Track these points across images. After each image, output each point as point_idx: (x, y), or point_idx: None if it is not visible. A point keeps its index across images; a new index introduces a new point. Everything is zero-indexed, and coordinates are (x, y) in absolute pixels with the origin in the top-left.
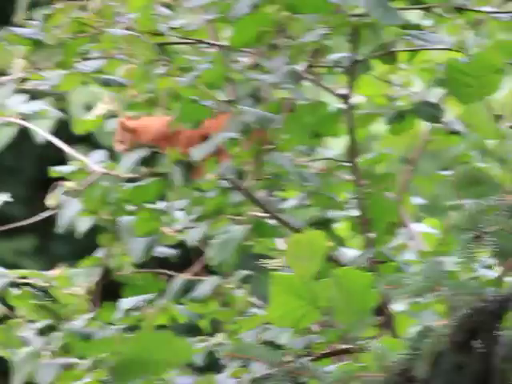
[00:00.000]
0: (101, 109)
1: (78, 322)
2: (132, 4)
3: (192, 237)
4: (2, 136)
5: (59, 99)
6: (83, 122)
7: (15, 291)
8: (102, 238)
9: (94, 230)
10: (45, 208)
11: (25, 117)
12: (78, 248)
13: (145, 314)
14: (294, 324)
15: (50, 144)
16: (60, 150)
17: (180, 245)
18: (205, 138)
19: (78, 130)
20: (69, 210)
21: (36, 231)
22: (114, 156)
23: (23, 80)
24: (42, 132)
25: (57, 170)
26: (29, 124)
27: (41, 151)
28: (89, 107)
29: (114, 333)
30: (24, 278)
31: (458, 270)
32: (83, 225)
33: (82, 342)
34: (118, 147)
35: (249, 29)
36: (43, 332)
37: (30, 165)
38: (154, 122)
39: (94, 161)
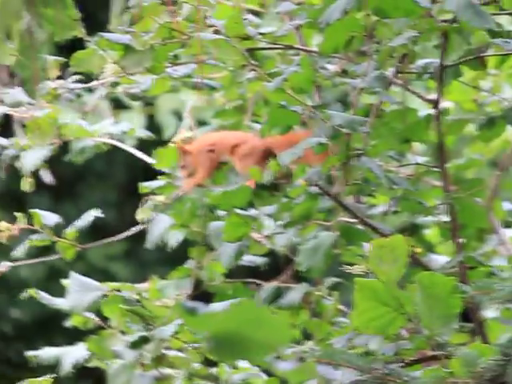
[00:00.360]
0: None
1: (169, 327)
2: (220, 11)
3: (280, 242)
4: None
5: (147, 105)
6: (164, 154)
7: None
8: (193, 249)
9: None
10: (134, 213)
11: (113, 136)
12: (168, 253)
13: None
14: (380, 330)
15: (140, 149)
16: (150, 155)
17: (270, 254)
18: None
19: (160, 164)
20: (158, 226)
21: (127, 236)
22: None
23: (114, 84)
24: (129, 149)
25: (146, 186)
26: (117, 142)
27: (131, 157)
28: (176, 113)
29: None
30: (117, 290)
31: None
32: (173, 238)
33: (191, 317)
34: (182, 172)
35: (339, 34)
36: (136, 344)
37: (121, 170)
38: (209, 140)
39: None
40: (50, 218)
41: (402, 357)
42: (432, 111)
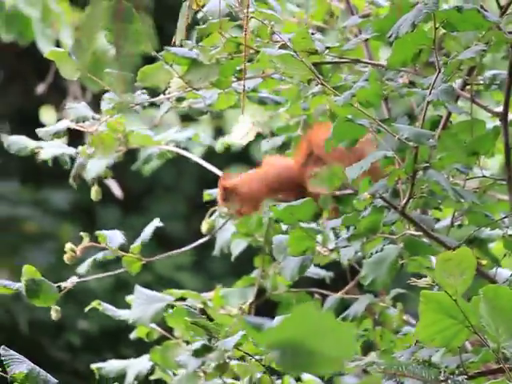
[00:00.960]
0: (247, 133)
1: (232, 339)
2: (287, 27)
3: (345, 255)
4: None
5: (216, 117)
6: (226, 143)
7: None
8: (257, 259)
9: (250, 247)
10: (200, 226)
11: (179, 144)
12: (235, 264)
13: None
14: (445, 343)
15: (208, 161)
16: (219, 167)
17: (335, 264)
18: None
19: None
20: (224, 234)
21: (194, 247)
22: None
23: (179, 99)
24: (195, 158)
25: (209, 193)
26: (182, 151)
27: (200, 169)
28: None
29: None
30: (181, 299)
31: None
32: (238, 247)
33: (256, 332)
34: (222, 206)
35: (407, 48)
36: (198, 352)
37: (189, 182)
38: (253, 176)
39: None
40: (115, 239)
41: (465, 370)
42: (499, 123)
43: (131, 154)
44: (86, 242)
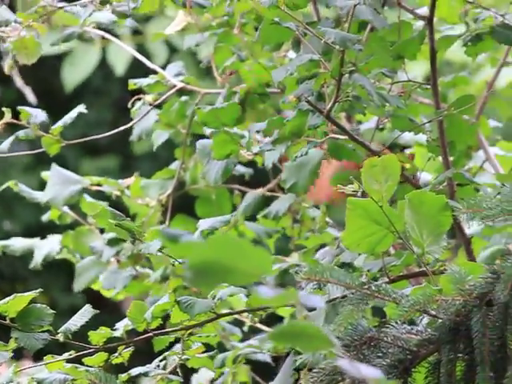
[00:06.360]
0: (179, 23)
1: (155, 243)
2: None
3: (269, 159)
4: (90, 58)
5: (136, 33)
6: (160, 34)
7: (88, 199)
8: (177, 150)
9: (173, 142)
10: (128, 130)
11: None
12: (163, 164)
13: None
14: (371, 248)
15: (137, 65)
16: (146, 73)
17: (256, 163)
18: None
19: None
20: (145, 122)
21: (119, 151)
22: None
23: (103, 2)
24: (122, 45)
25: (135, 82)
26: (107, 34)
27: (128, 72)
28: (166, 41)
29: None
30: (98, 185)
31: None
32: (159, 138)
33: (173, 244)
34: None
35: None
36: (113, 241)
37: (116, 87)
38: None
39: (172, 73)
40: (38, 116)
41: (387, 273)
42: (423, 27)
43: (59, 60)
44: (8, 117)
